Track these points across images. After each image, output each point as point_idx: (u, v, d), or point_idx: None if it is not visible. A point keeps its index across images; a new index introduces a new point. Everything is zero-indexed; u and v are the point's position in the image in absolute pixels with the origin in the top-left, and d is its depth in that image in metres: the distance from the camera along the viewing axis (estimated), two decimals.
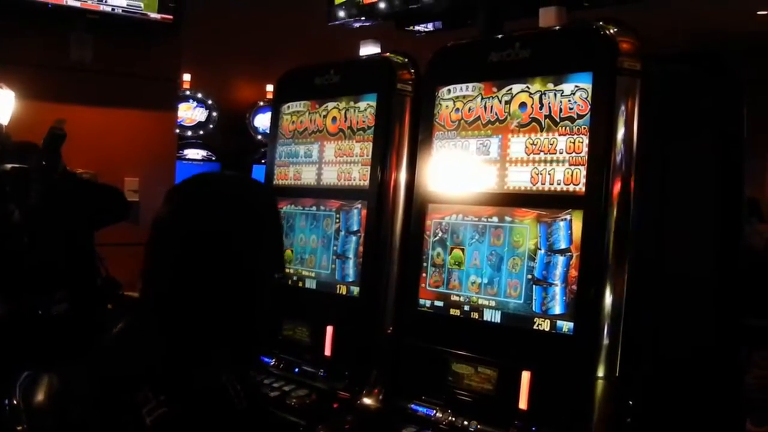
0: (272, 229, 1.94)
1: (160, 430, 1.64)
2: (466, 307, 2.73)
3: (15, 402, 1.83)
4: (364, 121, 3.21)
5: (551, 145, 2.54)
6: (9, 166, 3.92)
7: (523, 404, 2.52)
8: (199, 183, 1.94)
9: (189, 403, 1.68)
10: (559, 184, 2.51)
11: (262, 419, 1.80)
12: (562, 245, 2.47)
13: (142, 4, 5.86)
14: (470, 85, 2.82)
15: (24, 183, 3.92)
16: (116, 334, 1.87)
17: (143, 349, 1.79)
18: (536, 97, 2.60)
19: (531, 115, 2.61)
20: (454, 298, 2.77)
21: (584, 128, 2.46)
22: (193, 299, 1.79)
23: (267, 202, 2.00)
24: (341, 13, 3.86)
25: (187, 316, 1.79)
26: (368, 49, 3.60)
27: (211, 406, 1.69)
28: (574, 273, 2.44)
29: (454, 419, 2.67)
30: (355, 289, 3.15)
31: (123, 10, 5.81)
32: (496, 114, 2.72)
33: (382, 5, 3.62)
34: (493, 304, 2.65)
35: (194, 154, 8.87)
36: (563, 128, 2.51)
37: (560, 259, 2.47)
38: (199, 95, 8.94)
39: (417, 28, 3.78)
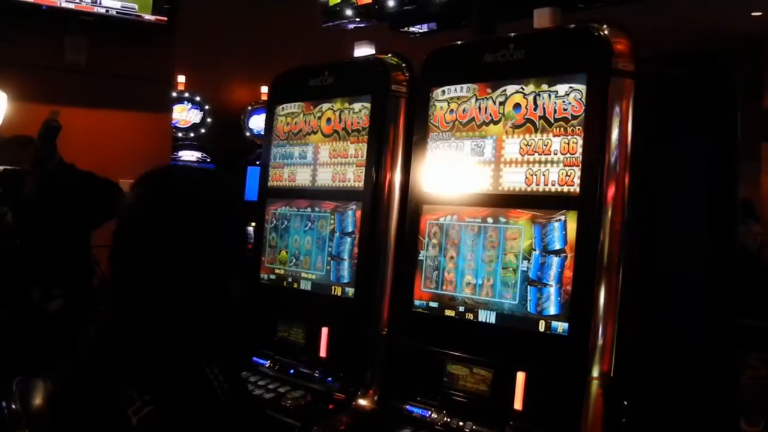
0: (232, 222, 1.93)
1: (146, 429, 1.64)
2: (461, 308, 2.74)
3: (14, 407, 1.83)
4: (358, 123, 3.21)
5: (545, 145, 2.54)
6: (0, 168, 3.92)
7: (518, 405, 2.52)
8: (161, 177, 1.94)
9: (173, 400, 1.68)
10: (553, 184, 2.51)
11: (246, 409, 1.80)
12: (557, 246, 2.48)
13: (136, 6, 5.87)
14: (464, 86, 2.82)
15: (17, 185, 3.92)
16: (94, 334, 1.87)
17: (121, 348, 1.78)
18: (530, 98, 2.60)
19: (525, 116, 2.61)
20: (449, 298, 2.78)
21: (578, 129, 2.46)
22: (160, 290, 1.78)
23: (226, 193, 1.98)
24: (335, 15, 3.86)
25: (156, 306, 1.78)
26: (362, 51, 3.60)
27: (196, 400, 1.69)
28: (568, 273, 2.44)
29: (449, 420, 2.67)
30: (350, 290, 3.15)
31: (117, 12, 5.82)
32: (490, 115, 2.72)
33: (376, 7, 3.63)
34: (488, 304, 2.66)
35: (189, 155, 8.86)
36: (558, 129, 2.51)
37: (555, 260, 2.48)
38: (194, 97, 8.94)
39: (411, 29, 3.79)
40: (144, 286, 1.80)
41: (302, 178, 3.47)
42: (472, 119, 2.78)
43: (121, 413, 1.65)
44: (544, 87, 2.56)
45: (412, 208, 2.95)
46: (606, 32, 2.44)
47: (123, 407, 1.65)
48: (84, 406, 1.74)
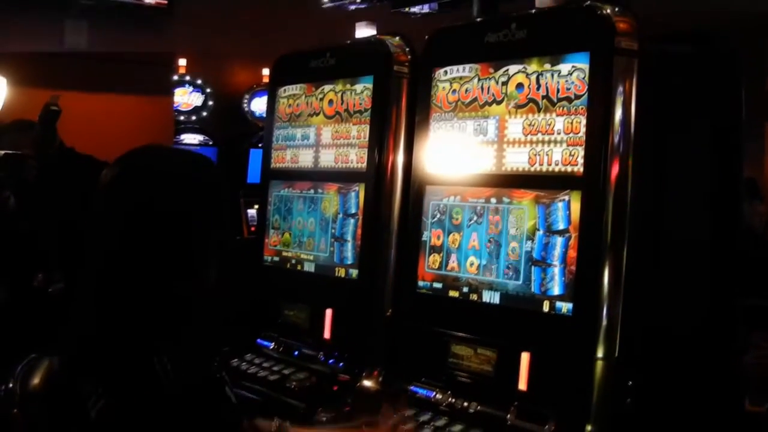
0: (212, 205, 1.90)
1: (102, 424, 1.63)
2: (465, 289, 2.73)
3: (11, 386, 1.82)
4: (360, 104, 3.20)
5: (549, 125, 2.53)
6: (2, 152, 3.90)
7: (522, 385, 2.52)
8: (141, 155, 1.91)
9: (121, 393, 1.66)
10: (557, 164, 2.50)
11: (195, 404, 1.76)
12: (561, 226, 2.47)
13: None
14: (467, 66, 2.81)
15: (18, 169, 3.91)
16: (63, 320, 1.85)
17: (85, 334, 1.77)
18: (533, 77, 2.59)
19: (528, 96, 2.60)
20: (453, 279, 2.77)
21: (582, 108, 2.45)
22: (126, 272, 1.76)
23: (209, 177, 1.94)
24: None
25: (117, 289, 1.76)
26: (364, 32, 3.58)
27: (143, 394, 1.67)
28: (572, 253, 2.43)
29: (453, 401, 2.67)
30: (354, 272, 3.15)
31: None
32: (493, 95, 2.71)
33: None
34: (492, 285, 2.65)
35: (191, 138, 8.83)
36: (561, 108, 2.50)
37: (559, 240, 2.47)
38: (196, 80, 8.91)
39: (413, 9, 3.77)
40: (112, 267, 1.78)
41: (305, 159, 3.46)
42: (475, 99, 2.77)
43: (83, 406, 1.64)
44: (547, 66, 2.55)
45: (415, 189, 2.94)
46: (608, 11, 2.43)
47: (84, 399, 1.64)
48: (55, 397, 1.73)
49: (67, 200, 4.18)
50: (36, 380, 1.81)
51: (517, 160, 2.62)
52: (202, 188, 1.88)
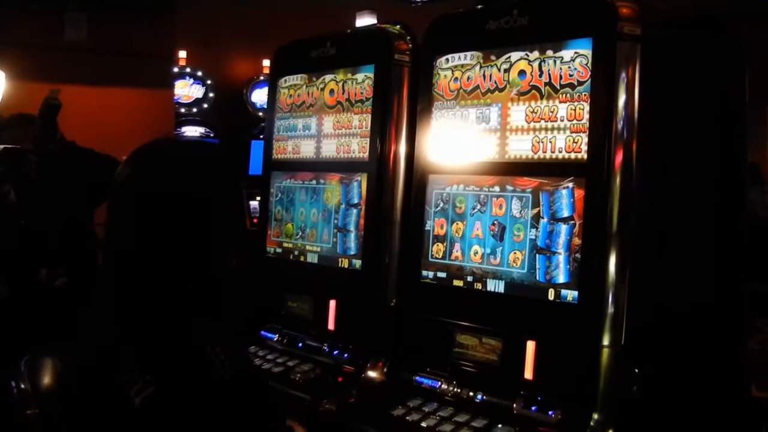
0: (230, 194, 1.91)
1: (149, 410, 1.63)
2: (470, 278, 2.72)
3: (23, 386, 1.82)
4: (362, 93, 3.18)
5: (552, 112, 2.52)
6: (1, 147, 3.90)
7: (528, 374, 2.51)
8: (155, 149, 1.92)
9: (175, 380, 1.67)
10: (560, 152, 2.49)
11: (250, 387, 1.78)
12: (565, 213, 2.46)
13: None
14: (468, 53, 2.79)
15: (18, 163, 3.91)
16: (92, 312, 1.85)
17: (119, 326, 1.77)
18: (536, 64, 2.57)
19: (531, 83, 2.59)
20: (457, 269, 2.76)
21: (585, 95, 2.43)
22: (152, 263, 1.77)
23: (220, 164, 1.95)
24: None
25: (150, 281, 1.77)
26: (364, 21, 3.58)
27: (197, 380, 1.68)
28: (577, 241, 2.42)
29: (459, 390, 2.67)
30: (357, 262, 3.14)
31: None
32: (495, 82, 2.70)
33: None
34: (496, 274, 2.64)
35: (192, 131, 8.82)
36: (564, 95, 2.49)
37: (563, 228, 2.46)
38: (196, 72, 8.90)
39: None
40: (136, 260, 1.78)
41: (306, 150, 3.45)
42: (477, 87, 2.75)
43: (123, 394, 1.63)
44: (549, 53, 2.54)
45: (417, 179, 2.93)
46: None
47: (124, 388, 1.64)
48: (87, 389, 1.73)
49: (69, 194, 4.17)
50: (47, 379, 1.81)
51: (520, 147, 2.61)
52: (218, 176, 1.89)
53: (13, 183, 3.88)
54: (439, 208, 2.84)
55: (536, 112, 2.56)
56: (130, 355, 1.71)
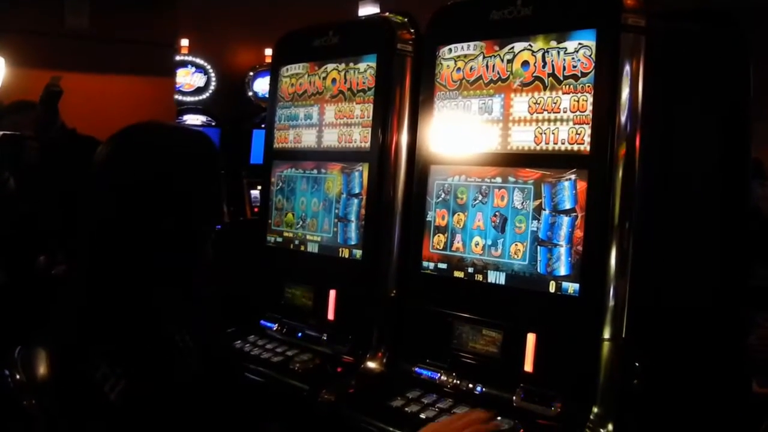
0: (207, 178, 1.89)
1: (125, 404, 1.62)
2: (470, 269, 2.71)
3: (18, 377, 1.81)
4: (364, 83, 3.17)
5: (555, 103, 2.50)
6: (1, 133, 3.89)
7: (528, 367, 2.51)
8: (137, 130, 1.90)
9: (144, 372, 1.65)
10: (563, 143, 2.47)
11: (217, 377, 1.76)
12: (567, 205, 2.45)
13: None
14: (471, 44, 2.78)
15: (17, 149, 3.89)
16: (65, 300, 1.84)
17: (90, 316, 1.76)
18: (539, 55, 2.56)
19: (534, 74, 2.57)
20: (458, 260, 2.75)
21: (588, 86, 2.42)
22: (127, 250, 1.75)
23: (203, 150, 1.94)
24: None
25: (121, 269, 1.75)
26: (367, 10, 3.57)
27: (167, 371, 1.66)
28: (579, 233, 2.41)
29: (458, 382, 2.66)
30: (358, 252, 3.13)
31: None
32: (498, 73, 2.68)
33: None
34: (497, 265, 2.63)
35: (194, 119, 8.81)
36: (567, 87, 2.48)
37: (565, 220, 2.45)
38: (198, 60, 8.88)
39: None
40: (109, 244, 1.77)
41: (308, 139, 3.44)
42: (480, 77, 2.74)
43: (99, 391, 1.62)
44: (553, 44, 2.52)
45: (419, 169, 2.92)
46: None
47: (99, 384, 1.63)
48: (65, 386, 1.73)
49: (70, 181, 4.16)
50: (41, 369, 1.80)
51: (523, 138, 2.59)
52: (198, 162, 1.88)
53: (12, 170, 3.87)
54: (440, 198, 2.83)
55: (539, 103, 2.55)
56: (97, 348, 1.69)
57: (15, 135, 3.91)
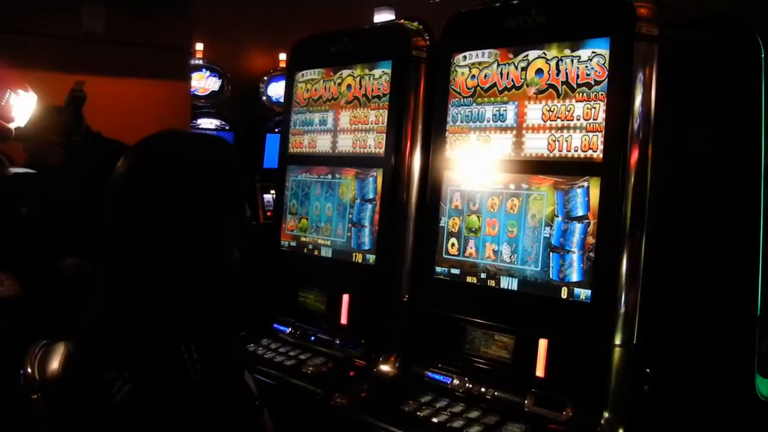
0: (231, 188, 1.89)
1: (128, 408, 1.63)
2: (483, 275, 2.73)
3: (30, 371, 1.83)
4: (379, 89, 3.19)
5: (568, 111, 2.52)
6: (13, 170, 3.94)
7: (540, 372, 2.52)
8: (157, 141, 1.91)
9: (147, 379, 1.67)
10: (576, 151, 2.49)
11: (218, 392, 1.76)
12: (580, 212, 2.46)
13: None
14: (486, 51, 2.80)
15: (31, 187, 3.94)
16: (82, 309, 1.85)
17: (107, 321, 1.77)
18: (553, 63, 2.58)
19: (548, 82, 2.59)
20: (471, 265, 2.77)
21: (602, 94, 2.44)
22: (149, 260, 1.76)
23: (227, 160, 1.94)
24: None
25: (141, 277, 1.76)
26: (383, 16, 3.58)
27: (166, 381, 1.67)
28: (591, 240, 2.43)
29: (470, 387, 2.68)
30: (371, 257, 3.15)
31: None
32: (512, 80, 2.70)
33: None
34: (510, 271, 2.65)
35: (208, 123, 8.82)
36: (580, 94, 2.49)
37: (577, 227, 2.46)
38: (213, 65, 8.90)
39: None
40: (132, 255, 1.77)
41: (322, 144, 3.46)
42: (494, 85, 2.76)
43: (106, 392, 1.64)
44: (567, 52, 2.54)
45: (433, 175, 2.94)
46: None
47: (107, 385, 1.64)
48: (73, 384, 1.74)
49: (97, 185, 4.19)
50: (54, 365, 1.81)
51: (536, 146, 2.61)
52: (219, 171, 1.88)
53: (29, 205, 3.91)
54: (453, 204, 2.85)
55: (553, 111, 2.57)
56: (109, 351, 1.71)
57: (28, 174, 3.97)
